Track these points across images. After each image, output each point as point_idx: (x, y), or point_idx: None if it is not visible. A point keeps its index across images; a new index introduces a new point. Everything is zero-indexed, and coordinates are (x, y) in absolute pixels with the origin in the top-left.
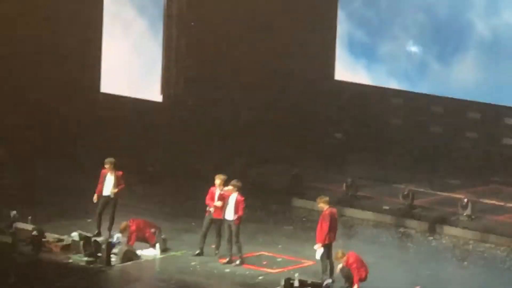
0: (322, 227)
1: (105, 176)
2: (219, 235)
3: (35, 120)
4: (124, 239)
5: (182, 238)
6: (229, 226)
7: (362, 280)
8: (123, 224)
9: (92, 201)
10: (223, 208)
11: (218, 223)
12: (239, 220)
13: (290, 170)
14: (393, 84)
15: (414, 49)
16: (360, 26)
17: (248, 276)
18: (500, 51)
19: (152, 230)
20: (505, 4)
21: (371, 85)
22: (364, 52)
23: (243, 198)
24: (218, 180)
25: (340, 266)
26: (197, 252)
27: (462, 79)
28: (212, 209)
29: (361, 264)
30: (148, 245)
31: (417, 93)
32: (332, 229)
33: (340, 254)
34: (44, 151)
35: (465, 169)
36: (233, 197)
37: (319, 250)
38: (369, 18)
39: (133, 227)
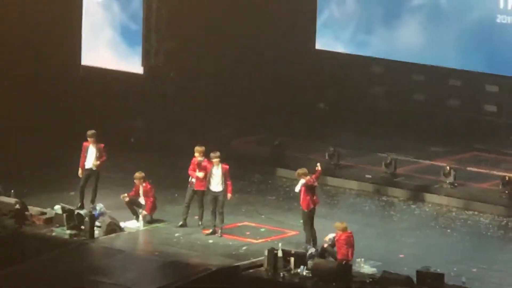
0: (305, 194)
1: (87, 149)
2: (201, 206)
3: (16, 94)
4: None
5: (165, 209)
6: (215, 197)
7: (345, 261)
8: (140, 173)
9: (75, 174)
10: (205, 179)
11: (200, 194)
12: (231, 190)
13: (273, 140)
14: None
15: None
16: None
17: (232, 246)
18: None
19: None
20: None
21: (351, 54)
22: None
23: (228, 167)
24: (197, 152)
25: (330, 236)
26: (180, 223)
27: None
28: (193, 180)
29: (352, 245)
30: (132, 216)
31: (398, 62)
32: (314, 196)
33: (341, 226)
34: (26, 125)
35: (447, 137)
36: (218, 168)
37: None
38: None
39: (148, 187)
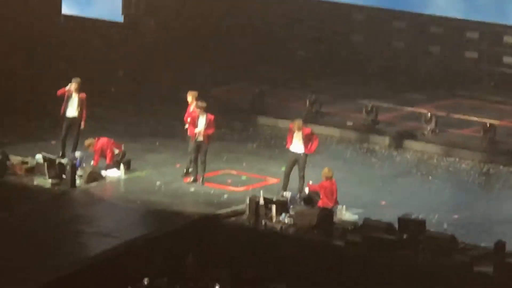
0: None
1: (69, 97)
2: (191, 154)
3: None
4: (83, 156)
5: (146, 158)
6: (198, 146)
7: (326, 208)
8: (89, 140)
9: (55, 123)
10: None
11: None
12: (209, 139)
13: (254, 88)
14: None
15: None
16: None
17: (213, 195)
18: None
19: (116, 151)
20: None
21: (332, 2)
22: None
23: (213, 117)
24: (190, 97)
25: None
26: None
27: None
28: (187, 126)
29: (334, 195)
30: (113, 166)
31: (379, 9)
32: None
33: (328, 174)
34: (6, 73)
35: (427, 84)
36: (203, 117)
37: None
38: None
39: (97, 147)
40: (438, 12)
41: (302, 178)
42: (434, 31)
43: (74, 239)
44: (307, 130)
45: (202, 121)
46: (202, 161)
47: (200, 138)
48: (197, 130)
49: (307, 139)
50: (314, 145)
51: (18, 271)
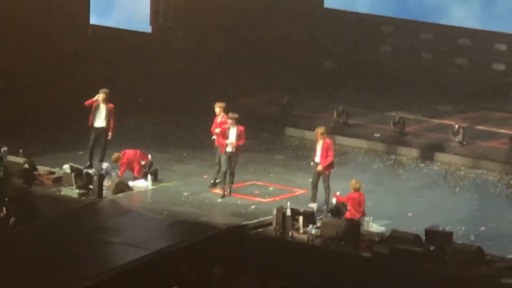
0: (330, 156)
1: (97, 107)
2: (218, 164)
3: (22, 52)
4: (110, 167)
5: (174, 169)
6: (229, 157)
7: (353, 220)
8: (115, 155)
9: (83, 133)
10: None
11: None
12: (239, 151)
13: (281, 99)
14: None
15: None
16: None
17: (240, 205)
18: None
19: (142, 162)
20: None
21: (360, 13)
22: None
23: (244, 128)
24: (217, 108)
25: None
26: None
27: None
28: (214, 137)
29: (362, 206)
30: (140, 178)
31: (407, 20)
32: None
33: (356, 185)
34: (34, 84)
35: (455, 95)
36: (234, 129)
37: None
38: None
39: (124, 160)
40: (465, 24)
41: (327, 188)
42: (462, 43)
43: (101, 249)
44: (327, 142)
45: (233, 132)
46: (230, 172)
47: (231, 149)
48: (228, 142)
49: (324, 151)
50: (327, 161)
51: (45, 280)
